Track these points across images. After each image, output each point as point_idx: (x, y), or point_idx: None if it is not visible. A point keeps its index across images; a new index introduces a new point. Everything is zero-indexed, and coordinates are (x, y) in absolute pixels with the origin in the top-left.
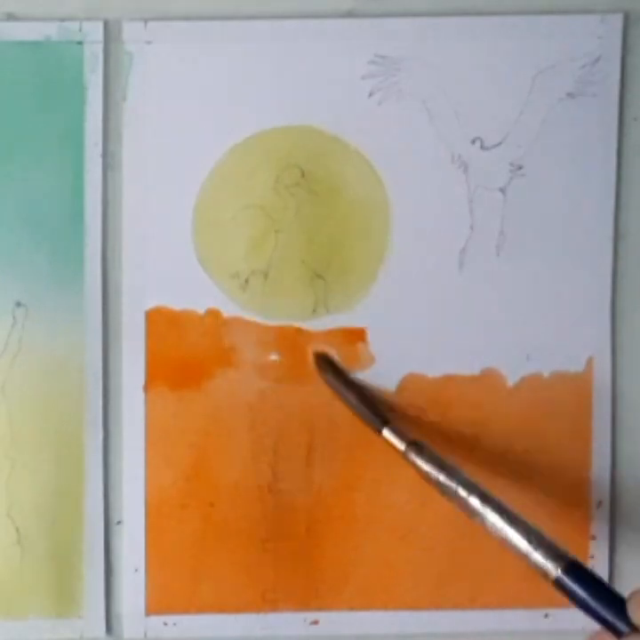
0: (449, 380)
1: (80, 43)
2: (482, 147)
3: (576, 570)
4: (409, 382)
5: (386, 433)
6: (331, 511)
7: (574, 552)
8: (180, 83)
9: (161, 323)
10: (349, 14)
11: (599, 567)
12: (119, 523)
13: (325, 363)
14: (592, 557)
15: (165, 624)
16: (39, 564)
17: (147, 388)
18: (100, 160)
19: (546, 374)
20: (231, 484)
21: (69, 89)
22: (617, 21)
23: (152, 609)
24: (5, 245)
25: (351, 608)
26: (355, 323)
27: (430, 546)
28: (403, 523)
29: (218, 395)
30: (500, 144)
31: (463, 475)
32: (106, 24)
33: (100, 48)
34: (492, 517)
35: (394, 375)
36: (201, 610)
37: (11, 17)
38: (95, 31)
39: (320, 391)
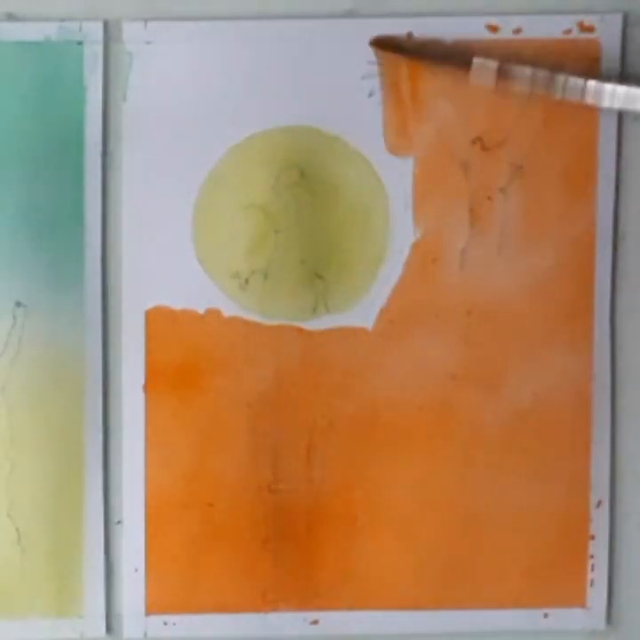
0: (451, 378)
1: (80, 43)
2: (482, 147)
3: None
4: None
5: (476, 62)
6: (331, 511)
7: (574, 551)
8: (179, 83)
9: (161, 323)
10: (349, 14)
11: (598, 567)
12: (119, 523)
13: (392, 45)
14: (591, 557)
15: (165, 623)
16: (39, 564)
17: (147, 387)
18: (99, 160)
19: (546, 374)
20: (231, 484)
21: (69, 89)
22: (616, 21)
23: (152, 608)
24: (5, 245)
25: (351, 608)
26: (354, 322)
27: (430, 546)
28: (403, 523)
29: (218, 395)
30: (500, 144)
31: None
32: (106, 24)
33: (99, 48)
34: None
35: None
36: (201, 609)
37: (11, 17)
38: (95, 31)
39: (320, 391)
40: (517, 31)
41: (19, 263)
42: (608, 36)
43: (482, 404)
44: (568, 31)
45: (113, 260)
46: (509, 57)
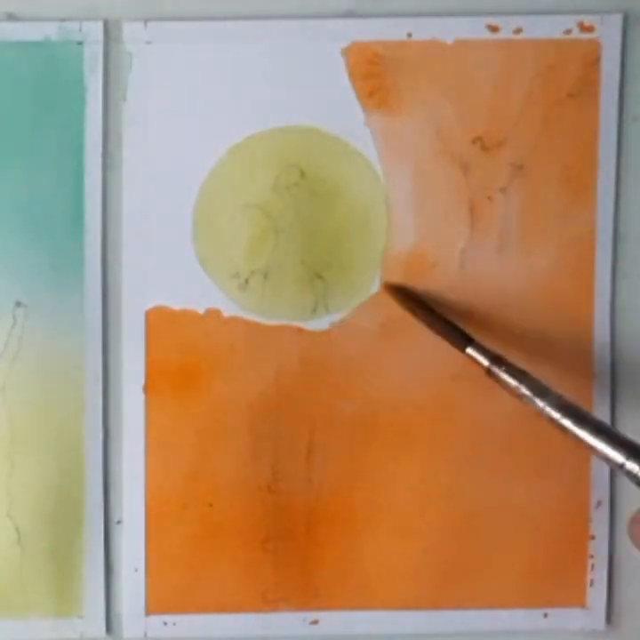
0: (451, 378)
1: (80, 43)
2: (482, 147)
3: None
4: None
5: (470, 350)
6: (331, 511)
7: (573, 552)
8: (179, 83)
9: (161, 323)
10: (349, 14)
11: (598, 567)
12: (119, 522)
13: (401, 292)
14: (591, 557)
15: (165, 624)
16: (39, 564)
17: (147, 388)
18: (99, 160)
19: (546, 374)
20: (231, 484)
21: (69, 89)
22: (617, 21)
23: (152, 609)
24: (5, 245)
25: (351, 608)
26: (355, 322)
27: (430, 546)
28: (403, 523)
29: (218, 395)
30: (500, 144)
31: (550, 390)
32: (106, 24)
33: (100, 48)
34: (583, 434)
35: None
36: (201, 610)
37: (11, 17)
38: (95, 31)
39: (320, 391)
40: (518, 31)
41: (19, 263)
42: (608, 36)
43: (482, 404)
44: (568, 31)
45: (113, 260)
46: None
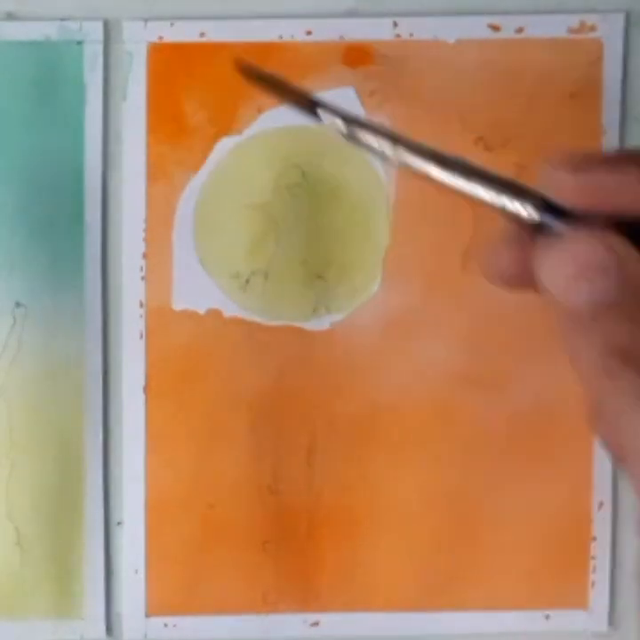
0: (452, 379)
1: (80, 43)
2: (485, 147)
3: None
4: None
5: (320, 111)
6: (331, 512)
7: (575, 553)
8: (179, 82)
9: (161, 323)
10: (350, 14)
11: (600, 568)
12: (119, 524)
13: (251, 72)
14: (593, 559)
15: (165, 625)
16: (39, 565)
17: (147, 388)
18: (99, 160)
19: (548, 375)
20: (232, 485)
21: (69, 89)
22: (618, 21)
23: (152, 610)
24: (5, 245)
25: (351, 609)
26: (355, 323)
27: (431, 547)
28: (404, 524)
29: (218, 395)
30: (503, 144)
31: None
32: (106, 24)
33: (100, 48)
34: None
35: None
36: (201, 611)
37: (10, 17)
38: (95, 31)
39: (321, 392)
40: (519, 30)
41: (19, 263)
42: (610, 35)
43: (483, 405)
44: (570, 31)
45: (113, 260)
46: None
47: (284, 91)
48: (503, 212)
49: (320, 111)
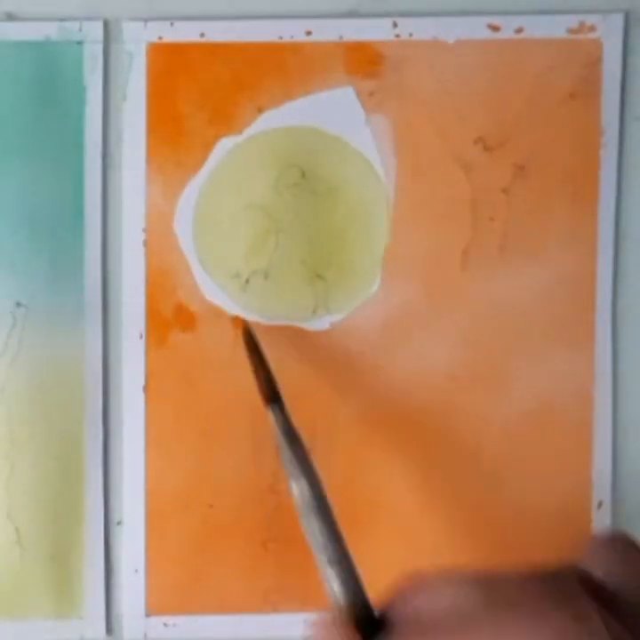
0: (452, 379)
1: (80, 43)
2: (484, 147)
3: None
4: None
5: (271, 408)
6: None
7: (575, 552)
8: (179, 82)
9: (161, 322)
10: (350, 14)
11: None
12: (119, 523)
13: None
14: None
15: (165, 625)
16: (39, 564)
17: (147, 388)
18: (99, 160)
19: (548, 375)
20: (232, 485)
21: (69, 89)
22: (618, 21)
23: (152, 610)
24: (5, 245)
25: None
26: (355, 323)
27: (431, 547)
28: (403, 523)
29: (218, 395)
30: (502, 144)
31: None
32: (106, 24)
33: (99, 48)
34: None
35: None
36: (201, 610)
37: (10, 17)
38: (95, 31)
39: (321, 392)
40: (519, 31)
41: (19, 263)
42: (610, 35)
43: (483, 405)
44: (569, 31)
45: (113, 260)
46: None
47: (259, 369)
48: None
49: (271, 408)
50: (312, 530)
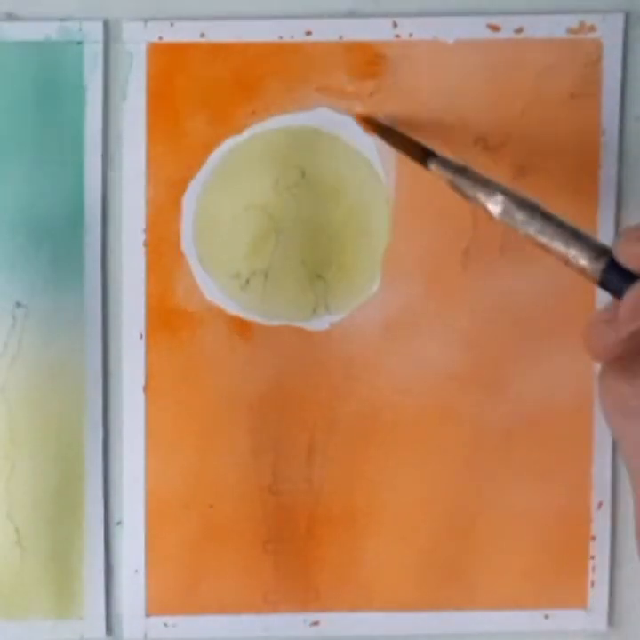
0: (452, 379)
1: (80, 43)
2: (484, 147)
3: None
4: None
5: (432, 165)
6: (331, 512)
7: (574, 553)
8: (179, 82)
9: (161, 322)
10: (350, 14)
11: (600, 568)
12: (119, 523)
13: (371, 122)
14: (592, 558)
15: (165, 625)
16: (39, 564)
17: (147, 388)
18: (99, 160)
19: (548, 376)
20: (232, 485)
21: (69, 89)
22: (618, 21)
23: (152, 610)
24: (5, 246)
25: (352, 609)
26: (355, 323)
27: (431, 547)
28: (403, 524)
29: (218, 395)
30: (502, 144)
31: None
32: (106, 24)
33: (99, 48)
34: (542, 229)
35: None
36: (201, 611)
37: (10, 17)
38: (95, 31)
39: (321, 392)
40: (519, 31)
41: (19, 263)
42: (610, 35)
43: (483, 405)
44: (569, 31)
45: (113, 260)
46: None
47: (400, 141)
48: (568, 262)
49: (431, 162)
50: (536, 226)
